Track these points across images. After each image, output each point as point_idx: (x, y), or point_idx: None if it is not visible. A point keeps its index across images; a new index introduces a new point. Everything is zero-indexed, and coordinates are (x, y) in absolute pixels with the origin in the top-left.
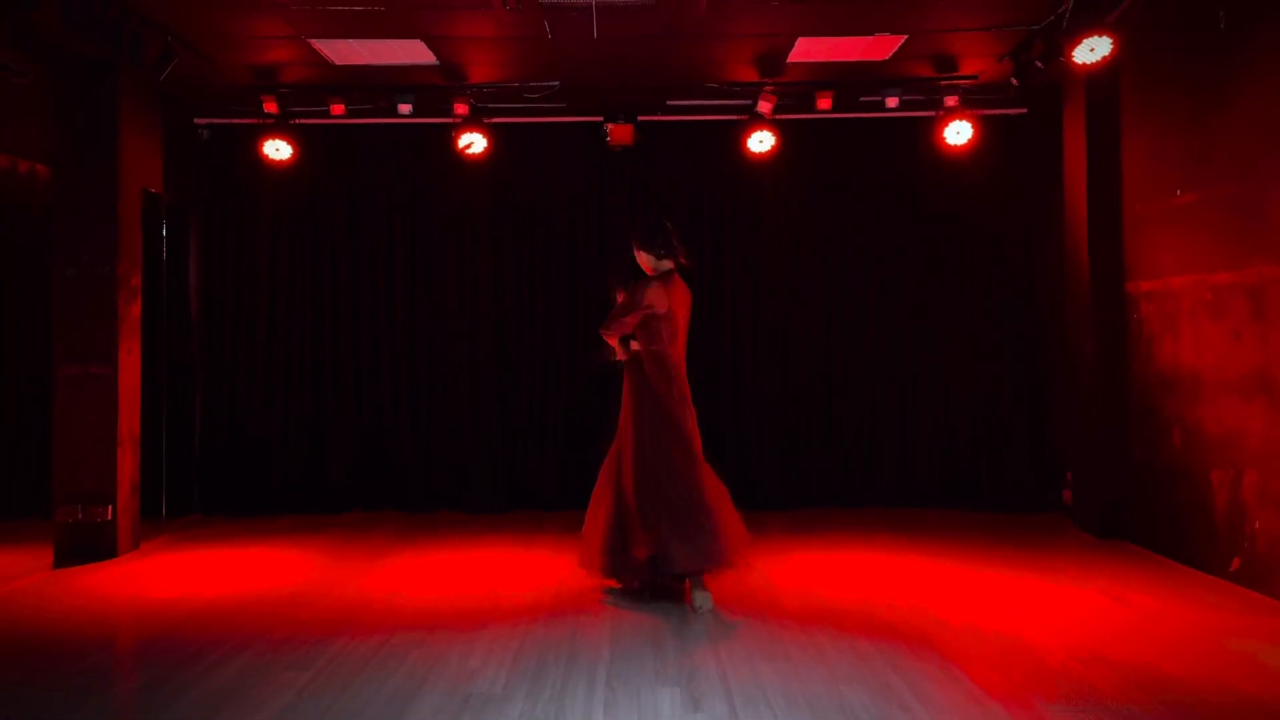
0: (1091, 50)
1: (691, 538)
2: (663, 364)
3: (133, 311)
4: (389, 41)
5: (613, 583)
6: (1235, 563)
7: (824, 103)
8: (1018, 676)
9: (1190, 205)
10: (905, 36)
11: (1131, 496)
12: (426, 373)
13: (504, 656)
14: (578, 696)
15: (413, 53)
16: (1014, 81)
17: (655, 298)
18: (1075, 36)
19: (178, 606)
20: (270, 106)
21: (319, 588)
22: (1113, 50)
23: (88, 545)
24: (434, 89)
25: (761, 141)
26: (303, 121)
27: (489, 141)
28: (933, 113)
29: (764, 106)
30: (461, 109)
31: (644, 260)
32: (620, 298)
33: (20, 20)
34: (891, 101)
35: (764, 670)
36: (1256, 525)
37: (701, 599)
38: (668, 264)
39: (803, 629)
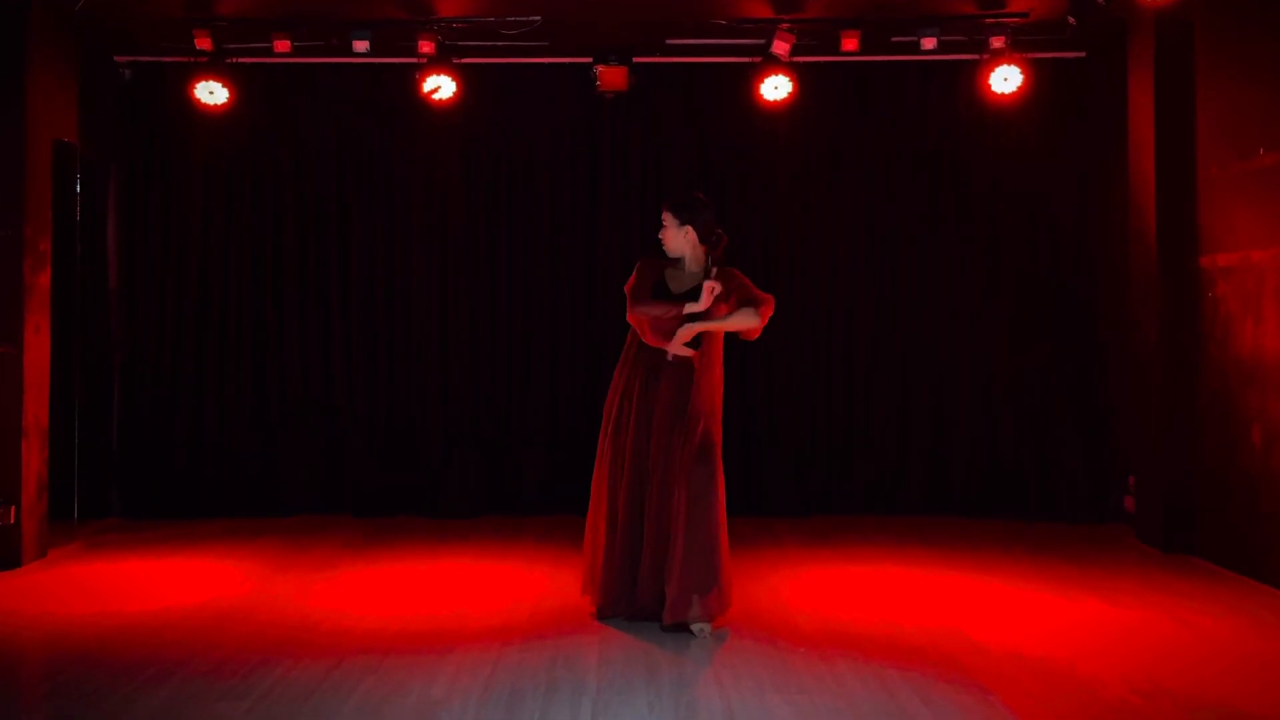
0: None
1: (722, 580)
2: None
3: (41, 281)
4: None
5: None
6: None
7: (849, 43)
8: (1068, 712)
9: (1275, 167)
10: None
11: (1203, 504)
12: (385, 355)
13: (472, 686)
14: None
15: None
16: (1071, 20)
17: None
18: None
19: (92, 625)
20: (204, 43)
21: (258, 604)
22: None
23: None
24: (396, 24)
25: (776, 88)
26: (242, 61)
27: (459, 85)
28: (976, 56)
29: (780, 47)
30: (427, 47)
31: (688, 242)
32: (633, 281)
33: None
34: (928, 43)
35: (774, 704)
36: None
37: (700, 625)
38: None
39: (820, 655)
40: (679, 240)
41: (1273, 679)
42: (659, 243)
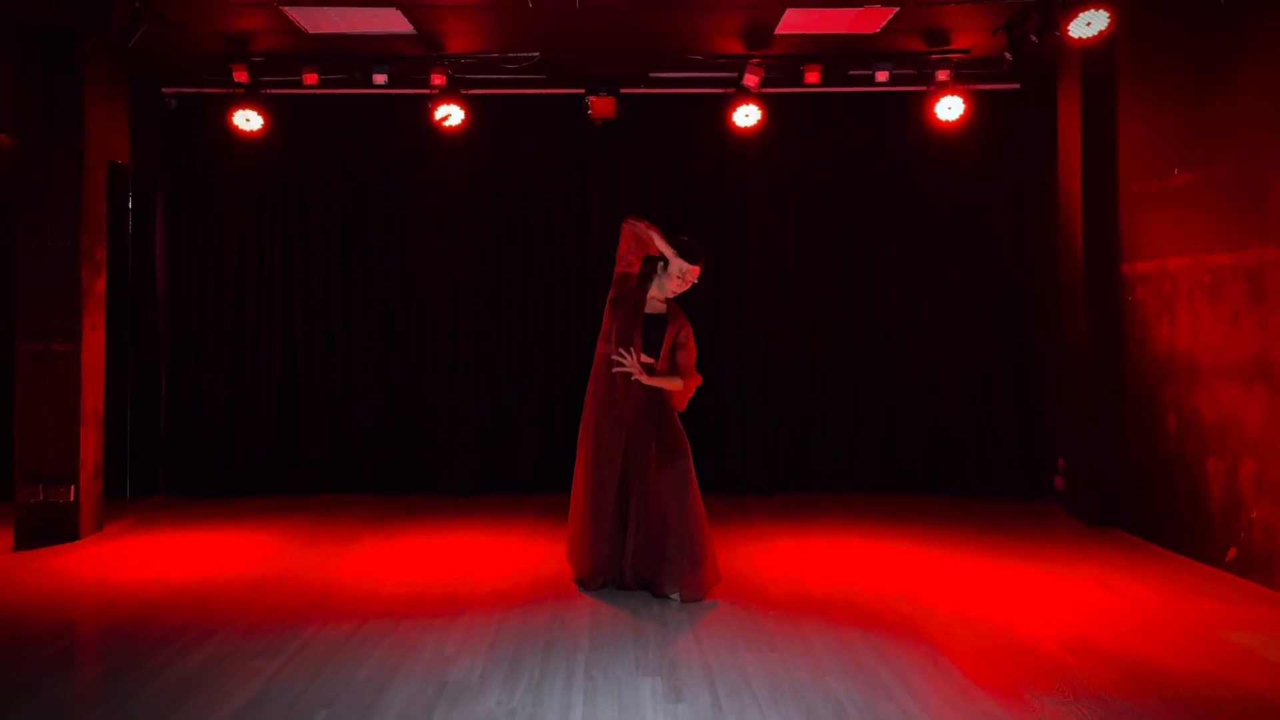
0: (1088, 25)
1: (710, 555)
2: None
3: (97, 286)
4: (364, 9)
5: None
6: (1231, 552)
7: (812, 76)
8: (1007, 667)
9: (1188, 185)
10: (896, 9)
11: (1125, 484)
12: (400, 351)
13: (480, 644)
14: (556, 686)
15: (389, 21)
16: (1008, 56)
17: None
18: (1072, 10)
19: (143, 590)
20: (241, 76)
21: (289, 572)
22: (1110, 24)
23: (49, 527)
24: (410, 59)
25: (747, 116)
26: (274, 92)
27: (466, 113)
28: (923, 87)
29: (750, 80)
30: (439, 80)
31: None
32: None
33: None
34: (881, 76)
35: (748, 660)
36: (1254, 515)
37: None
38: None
39: (788, 618)
40: (671, 282)
41: (1188, 637)
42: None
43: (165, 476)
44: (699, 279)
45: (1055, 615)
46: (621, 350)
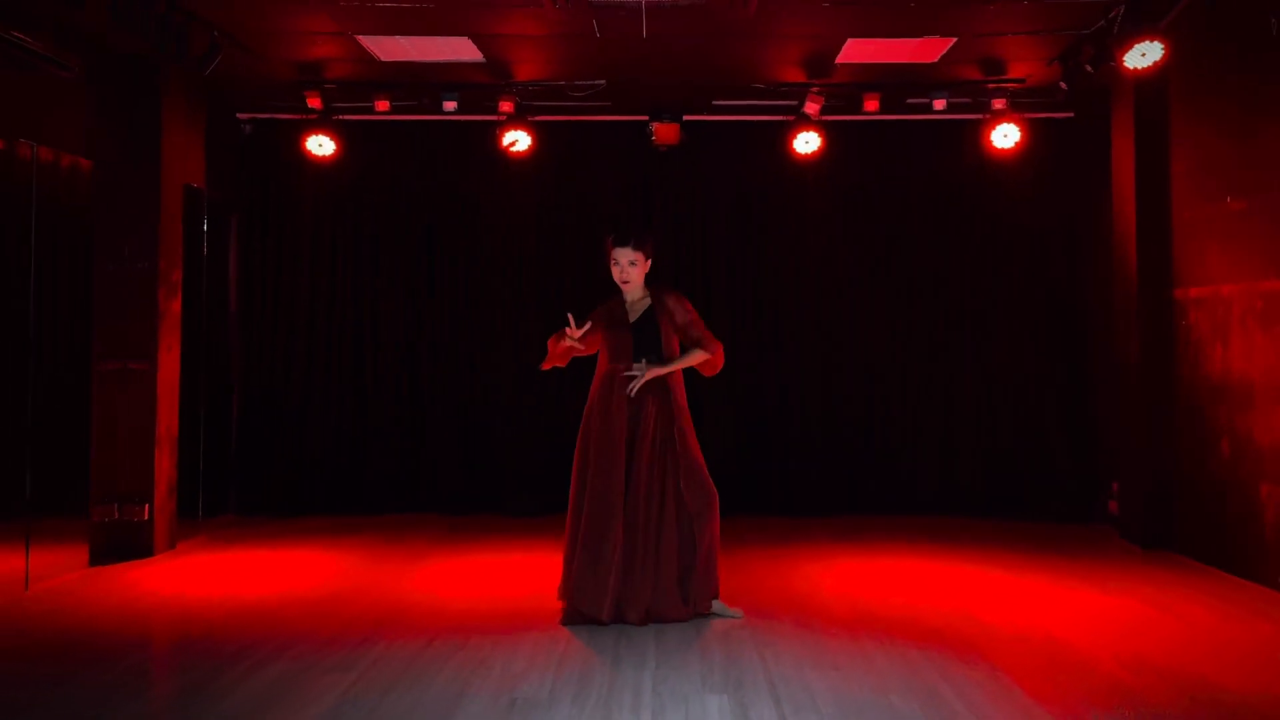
0: (1143, 55)
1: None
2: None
3: (173, 308)
4: (436, 38)
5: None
6: None
7: (871, 104)
8: (1067, 685)
9: (1240, 212)
10: (954, 39)
11: (1179, 507)
12: (467, 373)
13: (548, 661)
14: (625, 703)
15: (459, 50)
16: (1063, 85)
17: None
18: (1126, 41)
19: (217, 607)
20: (314, 102)
21: (359, 589)
22: (1163, 56)
23: (124, 544)
24: (479, 86)
25: (807, 143)
26: (346, 118)
27: (533, 139)
28: (980, 115)
29: (810, 108)
30: (507, 106)
31: (642, 270)
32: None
33: (65, 14)
34: (939, 104)
35: (812, 678)
36: None
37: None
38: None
39: (850, 636)
40: (642, 274)
41: (1244, 657)
42: (600, 275)
43: (236, 496)
44: (614, 254)
45: (1113, 635)
46: (629, 365)
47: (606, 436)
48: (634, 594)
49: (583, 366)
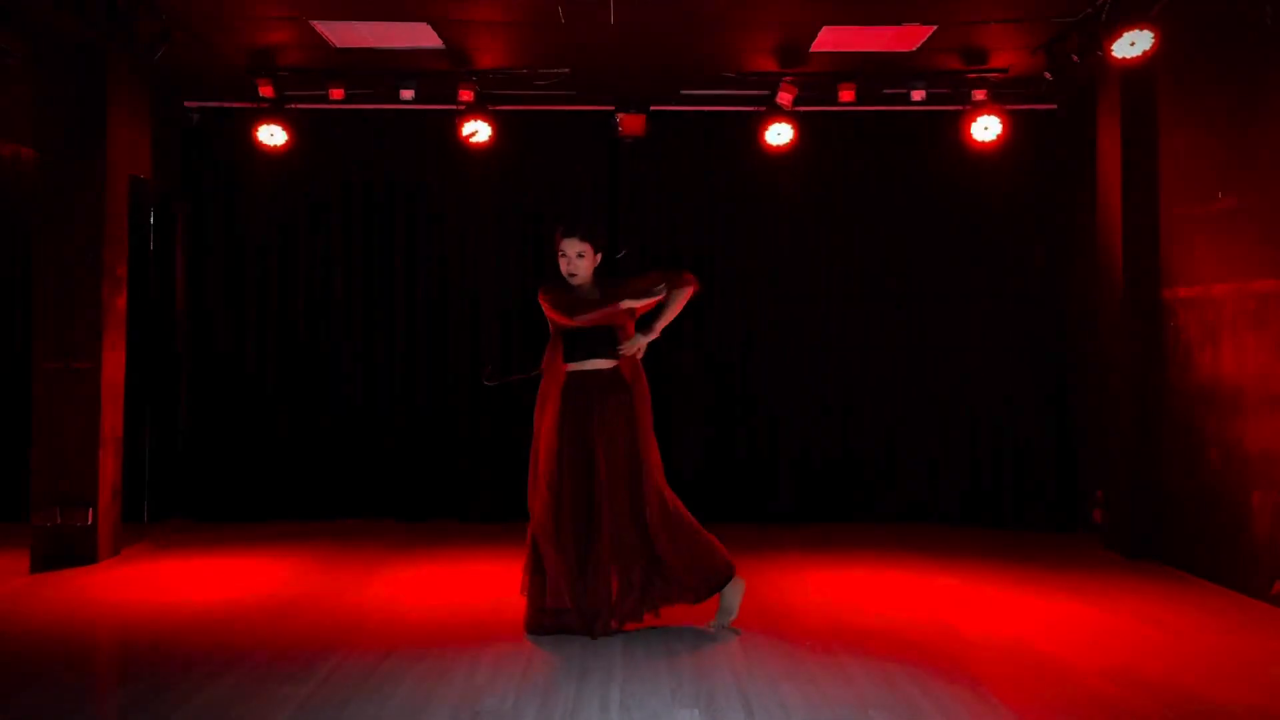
0: (1132, 44)
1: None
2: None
3: (118, 304)
4: (394, 24)
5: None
6: (1277, 586)
7: (846, 95)
8: (1051, 699)
9: (1232, 210)
10: (934, 27)
11: (1165, 516)
12: (426, 372)
13: (512, 673)
14: (591, 717)
15: (418, 36)
16: (1048, 76)
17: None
18: (1115, 30)
19: (163, 616)
20: (266, 90)
21: (313, 598)
22: (1154, 44)
23: (66, 550)
24: (438, 74)
25: (780, 134)
26: (299, 106)
27: (494, 130)
28: (960, 107)
29: (784, 98)
30: (466, 95)
31: (590, 263)
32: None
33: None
34: (917, 95)
35: (787, 692)
36: None
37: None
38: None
39: (826, 649)
40: (590, 266)
41: (1234, 669)
42: (556, 271)
43: (184, 500)
44: (562, 245)
45: (1097, 647)
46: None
47: (579, 440)
48: (621, 593)
49: (534, 365)
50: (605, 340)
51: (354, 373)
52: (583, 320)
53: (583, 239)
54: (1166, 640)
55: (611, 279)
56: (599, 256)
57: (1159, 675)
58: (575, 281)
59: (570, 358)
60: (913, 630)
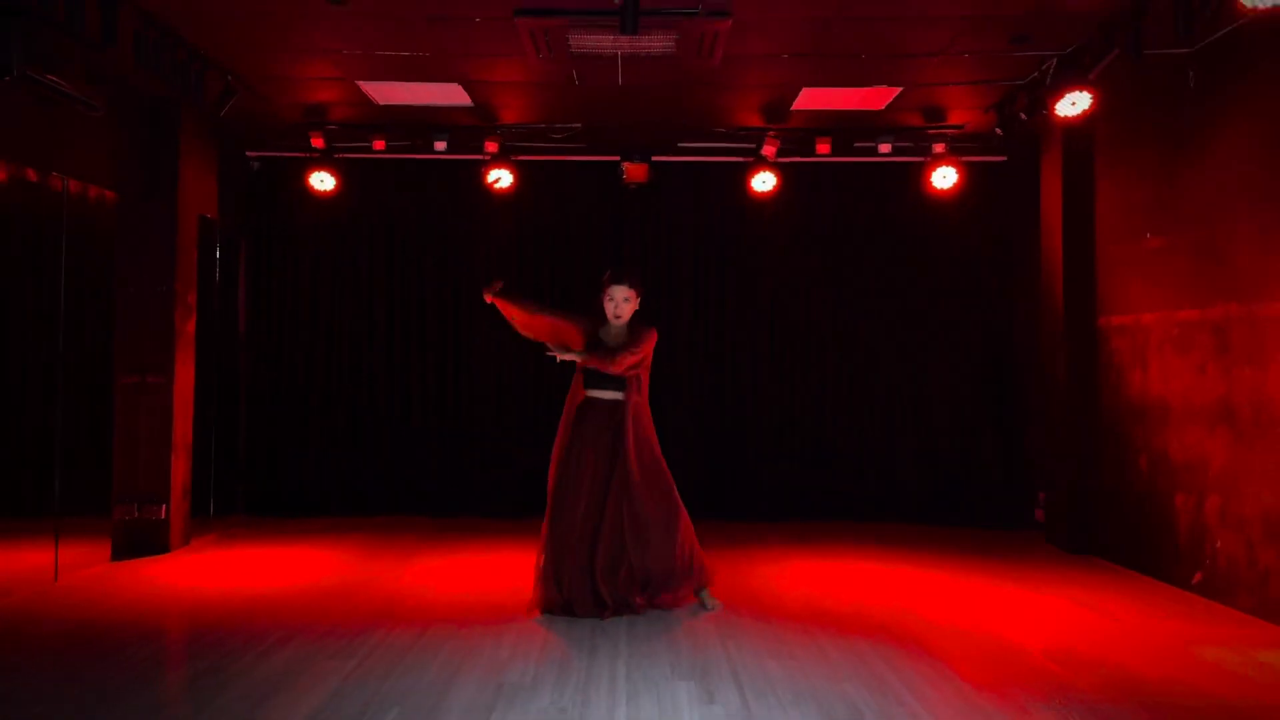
0: (1073, 104)
1: (704, 565)
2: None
3: (188, 327)
4: (429, 84)
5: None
6: (1197, 576)
7: (823, 147)
8: (1003, 675)
9: (1159, 248)
10: (900, 89)
11: (1100, 515)
12: (453, 389)
13: (530, 650)
14: (601, 688)
15: (450, 95)
16: (999, 131)
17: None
18: (1058, 91)
19: (227, 599)
20: (317, 141)
21: (356, 583)
22: (1092, 104)
23: (143, 541)
24: (467, 128)
25: (764, 182)
26: (346, 156)
27: (515, 177)
28: (921, 159)
29: (768, 150)
30: (492, 147)
31: (633, 308)
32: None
33: (93, 59)
34: (884, 148)
35: (771, 667)
36: (1218, 544)
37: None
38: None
39: (805, 629)
40: (632, 310)
41: (1163, 650)
42: (601, 311)
43: (244, 497)
44: (610, 290)
45: (1042, 629)
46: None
47: (595, 454)
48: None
49: (560, 384)
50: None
51: (391, 388)
52: (613, 367)
53: (630, 286)
54: (1102, 624)
55: (636, 326)
56: (638, 303)
57: (1096, 654)
58: (617, 324)
59: (589, 386)
60: (881, 614)
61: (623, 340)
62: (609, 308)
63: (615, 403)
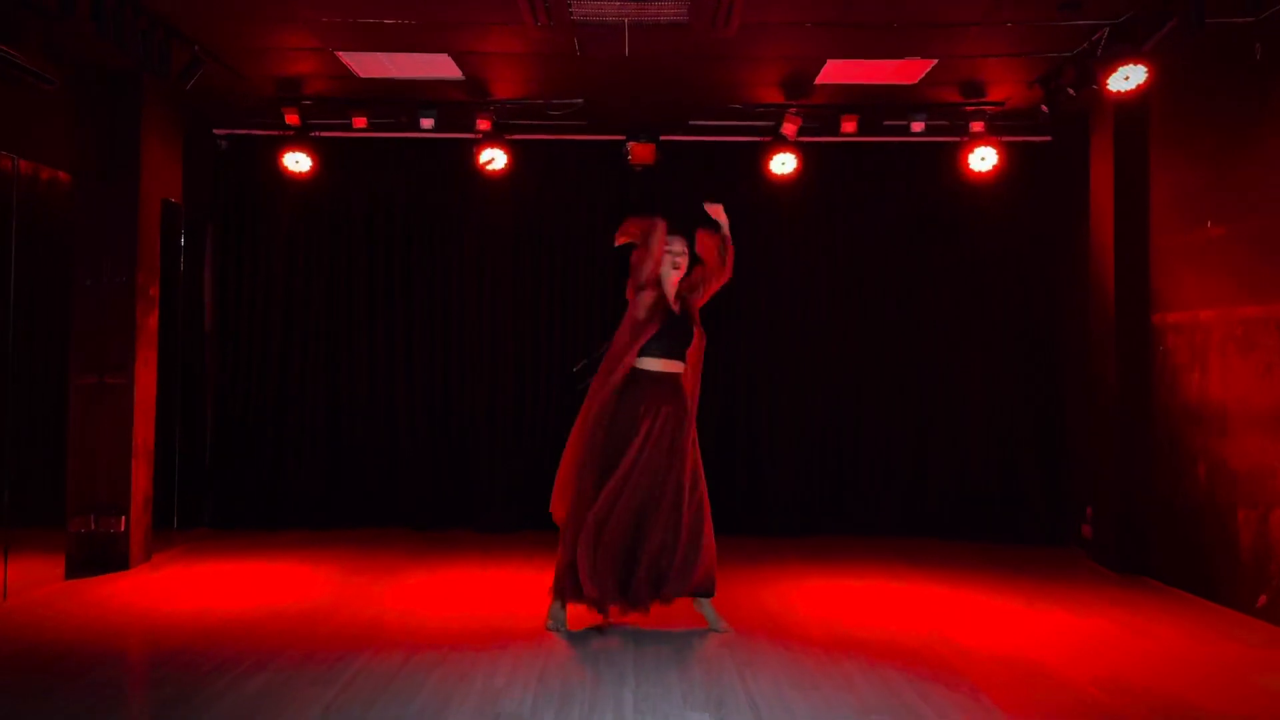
0: (1126, 79)
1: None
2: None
3: (150, 322)
4: (415, 55)
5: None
6: (1262, 599)
7: (848, 126)
8: (1046, 706)
9: (1219, 238)
10: (935, 61)
11: (1152, 531)
12: (441, 389)
13: (529, 677)
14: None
15: (438, 67)
16: (1044, 108)
17: None
18: (1110, 64)
19: (194, 620)
20: (291, 118)
21: (336, 603)
22: (1147, 79)
23: (100, 556)
24: (457, 104)
25: (784, 164)
26: (323, 135)
27: (509, 158)
28: (957, 138)
29: (788, 128)
30: (484, 124)
31: (682, 274)
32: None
33: (49, 29)
34: (917, 126)
35: (793, 698)
36: None
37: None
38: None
39: (828, 656)
40: (681, 275)
41: (1220, 679)
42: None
43: (211, 509)
44: (671, 242)
45: (1087, 656)
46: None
47: (654, 424)
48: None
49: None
50: (681, 344)
51: (373, 390)
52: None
53: (687, 247)
54: (1155, 649)
55: (683, 287)
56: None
57: (1147, 683)
58: (674, 276)
59: (655, 354)
60: (911, 639)
61: (682, 310)
62: (666, 260)
63: (675, 376)
